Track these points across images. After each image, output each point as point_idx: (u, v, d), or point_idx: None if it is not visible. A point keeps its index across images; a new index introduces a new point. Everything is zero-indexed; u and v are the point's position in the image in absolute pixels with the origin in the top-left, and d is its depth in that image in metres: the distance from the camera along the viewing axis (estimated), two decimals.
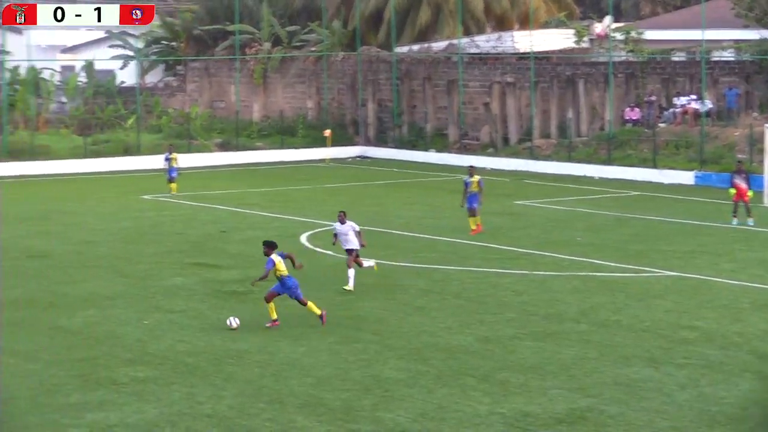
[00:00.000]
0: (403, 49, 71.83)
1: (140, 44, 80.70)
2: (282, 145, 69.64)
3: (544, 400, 19.66)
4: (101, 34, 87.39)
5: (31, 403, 19.44)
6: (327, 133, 66.25)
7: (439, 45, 71.57)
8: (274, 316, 24.92)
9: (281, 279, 24.84)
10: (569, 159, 60.50)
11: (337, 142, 68.07)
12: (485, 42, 69.42)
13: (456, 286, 29.75)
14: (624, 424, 18.46)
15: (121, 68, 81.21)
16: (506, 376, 21.06)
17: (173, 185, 50.18)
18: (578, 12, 79.24)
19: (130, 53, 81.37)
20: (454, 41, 69.96)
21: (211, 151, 68.05)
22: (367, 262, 29.69)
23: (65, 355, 22.64)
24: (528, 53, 64.87)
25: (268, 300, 25.01)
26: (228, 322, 24.71)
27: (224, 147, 69.11)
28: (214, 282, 30.16)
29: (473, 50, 68.69)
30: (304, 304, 25.09)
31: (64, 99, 76.96)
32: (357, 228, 29.28)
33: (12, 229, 40.09)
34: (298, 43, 76.38)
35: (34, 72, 71.39)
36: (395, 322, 25.65)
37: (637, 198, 50.00)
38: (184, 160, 62.35)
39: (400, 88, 70.89)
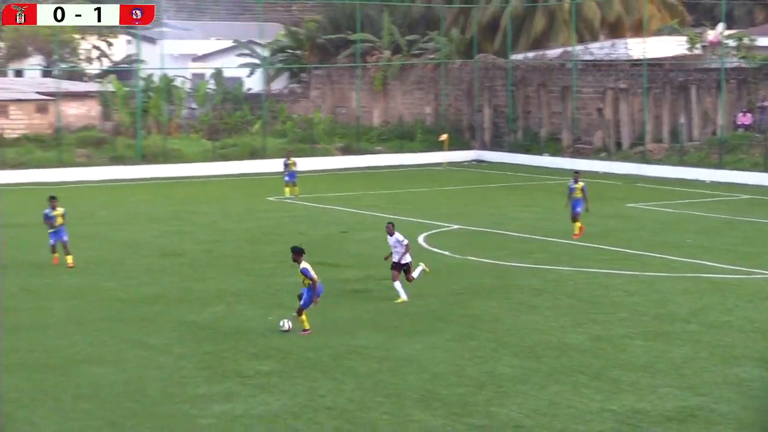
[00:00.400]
0: (518, 57, 71.51)
1: (266, 53, 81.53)
2: (401, 149, 69.77)
3: (655, 397, 19.41)
4: (230, 44, 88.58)
5: (161, 393, 19.71)
6: (443, 137, 66.21)
7: (553, 52, 71.11)
8: (307, 325, 24.13)
9: (310, 287, 23.88)
10: (681, 163, 59.70)
11: (453, 146, 68.00)
12: (599, 49, 68.82)
13: (569, 286, 29.51)
14: (734, 422, 18.15)
15: (248, 76, 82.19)
16: (617, 374, 20.84)
17: (291, 188, 50.36)
18: (689, 19, 78.11)
19: (257, 61, 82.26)
20: (569, 48, 69.44)
21: (333, 154, 68.48)
22: (417, 271, 27.97)
23: (194, 348, 22.92)
24: (641, 60, 64.19)
25: (300, 313, 24.10)
26: (281, 324, 24.21)
27: (345, 151, 69.52)
28: (335, 280, 30.27)
29: (587, 57, 68.13)
30: (299, 314, 24.05)
31: (194, 105, 78.05)
32: (404, 241, 27.55)
33: (145, 228, 40.81)
34: (417, 51, 76.47)
35: (166, 79, 72.48)
36: (510, 320, 25.53)
37: (748, 201, 49.14)
38: (307, 164, 63.00)
39: (515, 94, 70.59)
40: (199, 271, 32.09)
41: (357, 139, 70.59)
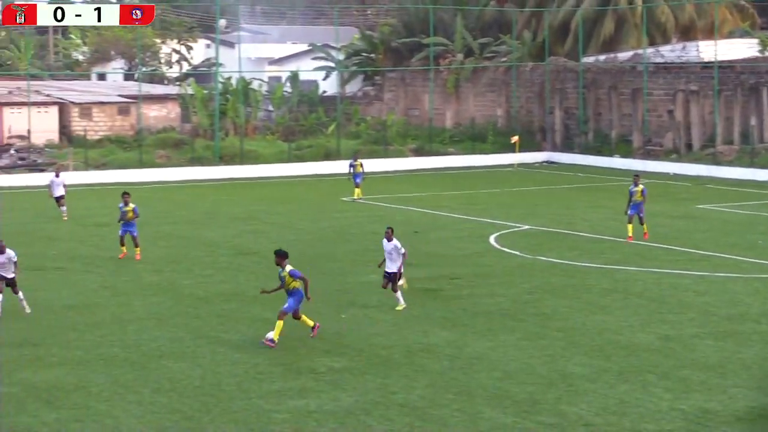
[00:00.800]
0: (589, 59, 71.05)
1: (342, 56, 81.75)
2: (473, 151, 69.61)
3: (725, 397, 19.14)
4: (306, 47, 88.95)
5: (237, 389, 19.78)
6: (514, 139, 65.93)
7: (624, 55, 70.55)
8: (312, 323, 23.32)
9: (295, 291, 22.78)
10: (752, 165, 58.93)
11: (524, 147, 67.70)
12: (670, 52, 68.14)
13: (638, 286, 29.22)
14: None
15: (324, 79, 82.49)
16: (687, 374, 20.59)
17: (358, 190, 50.24)
18: (760, 22, 77.09)
19: (332, 65, 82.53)
20: (640, 51, 68.85)
21: (405, 156, 68.47)
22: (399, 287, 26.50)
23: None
24: (712, 62, 63.47)
25: (297, 317, 23.10)
26: (265, 338, 22.64)
27: (418, 152, 69.50)
28: (407, 279, 30.19)
29: (658, 60, 67.50)
30: (280, 317, 22.82)
31: (270, 107, 78.47)
32: (401, 249, 26.27)
33: (223, 228, 41.04)
34: (489, 54, 76.26)
35: (244, 82, 72.93)
36: (579, 319, 25.33)
37: None
38: (380, 165, 63.10)
39: (586, 96, 70.13)
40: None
41: (429, 141, 70.53)
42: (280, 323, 22.60)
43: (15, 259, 25.89)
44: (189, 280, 30.59)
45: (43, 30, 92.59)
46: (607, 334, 23.88)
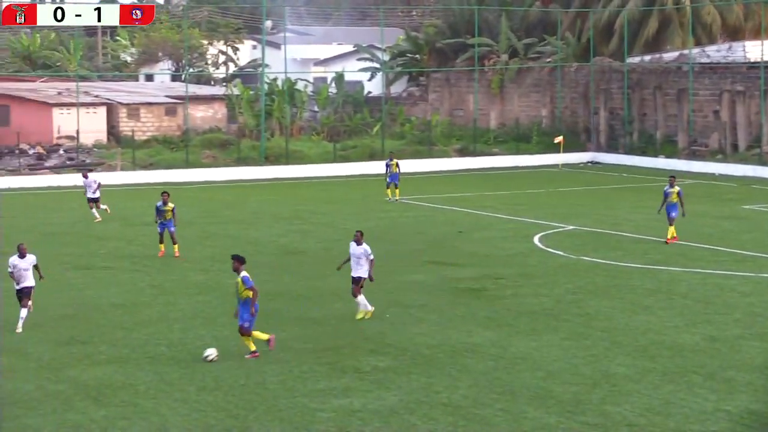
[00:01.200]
0: (634, 60, 70.65)
1: (387, 57, 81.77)
2: (517, 151, 69.43)
3: None
4: (351, 48, 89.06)
5: (281, 387, 19.82)
6: (558, 139, 65.66)
7: (669, 55, 70.11)
8: (265, 337, 22.11)
9: (246, 301, 21.66)
10: None
11: (569, 148, 67.42)
12: (716, 52, 67.64)
13: (683, 287, 29.01)
14: None
15: (369, 79, 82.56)
16: (732, 375, 20.41)
17: (396, 190, 49.91)
18: None
19: (377, 65, 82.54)
20: (685, 51, 68.38)
21: (450, 156, 68.40)
22: (362, 303, 25.26)
23: (313, 344, 23.01)
24: (758, 62, 62.93)
25: (246, 334, 21.81)
26: (206, 354, 21.48)
27: (462, 152, 69.41)
28: (451, 279, 30.21)
29: (704, 60, 67.01)
30: (248, 335, 21.78)
31: (316, 108, 78.63)
32: (371, 255, 25.33)
33: (268, 227, 41.16)
34: (533, 55, 76.04)
35: (289, 83, 73.10)
36: (623, 320, 25.19)
37: None
38: (425, 165, 63.12)
39: (631, 96, 69.74)
40: (319, 269, 32.23)
41: (474, 141, 70.41)
42: (248, 338, 21.65)
43: (36, 263, 24.45)
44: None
45: (92, 31, 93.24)
46: (651, 334, 23.72)
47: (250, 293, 21.63)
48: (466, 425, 17.73)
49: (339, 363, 21.45)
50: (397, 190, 49.79)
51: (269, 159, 64.88)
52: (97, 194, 43.31)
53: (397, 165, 50.39)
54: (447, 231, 40.10)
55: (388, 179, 50.09)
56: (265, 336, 22.02)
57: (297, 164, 64.12)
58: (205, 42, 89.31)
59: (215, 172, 61.73)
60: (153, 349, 22.66)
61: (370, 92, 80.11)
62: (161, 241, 34.25)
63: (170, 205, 34.11)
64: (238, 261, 21.91)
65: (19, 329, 23.97)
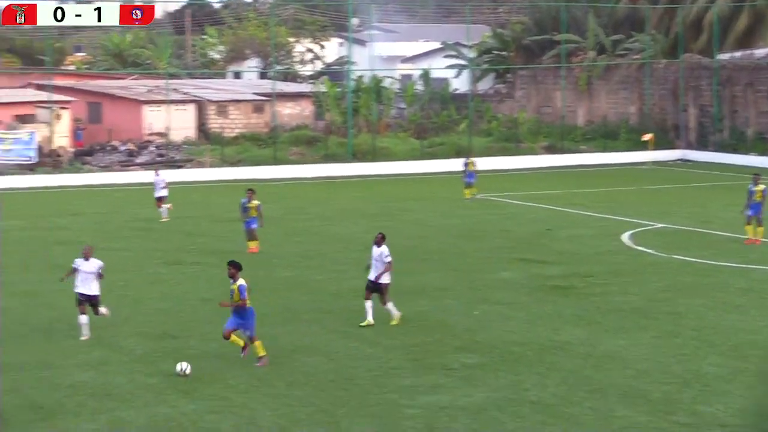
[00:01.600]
0: (724, 56, 69.71)
1: (473, 54, 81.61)
2: (605, 149, 68.90)
3: None
4: (437, 45, 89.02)
5: (370, 383, 19.87)
6: (647, 137, 65.02)
7: (761, 51, 69.09)
8: (242, 343, 21.29)
9: (242, 308, 20.93)
10: None
11: (658, 145, 66.77)
12: None
13: None
14: None
15: (455, 77, 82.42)
16: None
17: (469, 190, 49.52)
18: None
19: (464, 63, 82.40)
20: None
21: (537, 153, 68.08)
22: (369, 313, 24.16)
23: (401, 340, 23.03)
24: None
25: (227, 337, 21.17)
26: (179, 369, 20.30)
27: (550, 150, 69.06)
28: (539, 276, 30.05)
29: None
30: (252, 341, 21.10)
31: (402, 105, 78.70)
32: (387, 257, 24.29)
33: (355, 224, 41.28)
34: (621, 52, 75.36)
35: (376, 80, 73.27)
36: (714, 319, 24.87)
37: None
38: (512, 162, 62.96)
39: (721, 93, 68.85)
40: (406, 265, 32.15)
41: (561, 138, 70.01)
42: (257, 344, 20.96)
43: (101, 271, 23.19)
44: (322, 275, 30.84)
45: (181, 30, 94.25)
46: (742, 333, 23.40)
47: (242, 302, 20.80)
48: (555, 423, 17.63)
49: (426, 360, 21.45)
50: (475, 189, 49.41)
51: (356, 156, 65.09)
52: (163, 193, 42.73)
53: (474, 164, 50.11)
54: (534, 228, 39.90)
55: (465, 179, 49.74)
56: (241, 342, 21.19)
57: (384, 161, 64.22)
58: (292, 40, 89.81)
59: (302, 169, 62.06)
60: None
61: (456, 89, 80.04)
62: (248, 239, 34.44)
63: (255, 202, 34.24)
64: (236, 268, 20.97)
65: (85, 336, 22.96)
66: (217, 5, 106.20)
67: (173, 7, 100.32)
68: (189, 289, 28.92)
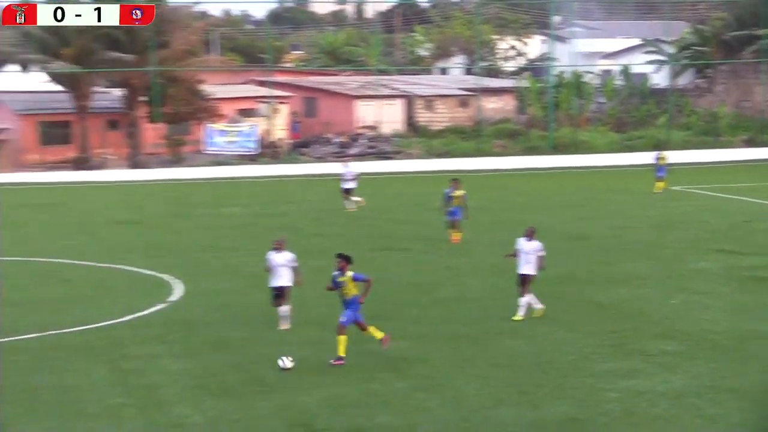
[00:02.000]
0: None
1: (673, 50, 79.92)
2: None
3: None
4: (637, 42, 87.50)
5: (569, 367, 19.73)
6: None
7: None
8: (381, 334, 20.66)
9: (353, 300, 20.18)
10: None
11: None
12: None
13: None
14: None
15: (655, 72, 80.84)
16: None
17: (660, 184, 48.26)
18: None
19: (664, 58, 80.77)
20: None
21: (736, 146, 66.23)
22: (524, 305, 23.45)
23: (599, 326, 22.78)
24: None
25: (363, 329, 20.41)
26: (281, 362, 19.77)
27: (750, 143, 67.09)
28: (737, 267, 29.25)
29: None
30: (366, 329, 20.45)
31: (602, 99, 77.70)
32: (541, 251, 23.47)
33: (554, 214, 40.99)
34: None
35: (576, 76, 72.53)
36: None
37: None
38: (710, 155, 61.47)
39: None
40: (606, 254, 31.87)
41: (761, 132, 67.87)
42: (341, 338, 20.05)
43: (295, 264, 22.58)
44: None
45: (391, 28, 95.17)
46: None
47: (357, 290, 20.12)
48: (754, 410, 17.15)
49: (625, 346, 21.17)
50: (664, 183, 48.15)
51: (557, 148, 64.63)
52: (351, 185, 42.55)
53: (665, 158, 48.82)
54: (732, 220, 38.86)
55: (657, 173, 48.53)
56: (380, 334, 20.61)
57: (584, 154, 63.60)
58: (496, 37, 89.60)
59: (505, 161, 61.96)
60: (448, 326, 22.95)
61: (656, 84, 78.52)
62: (451, 227, 34.37)
63: (459, 191, 34.13)
64: (346, 260, 20.20)
65: (284, 326, 22.67)
66: (425, 5, 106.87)
67: (384, 7, 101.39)
68: (398, 273, 29.20)
